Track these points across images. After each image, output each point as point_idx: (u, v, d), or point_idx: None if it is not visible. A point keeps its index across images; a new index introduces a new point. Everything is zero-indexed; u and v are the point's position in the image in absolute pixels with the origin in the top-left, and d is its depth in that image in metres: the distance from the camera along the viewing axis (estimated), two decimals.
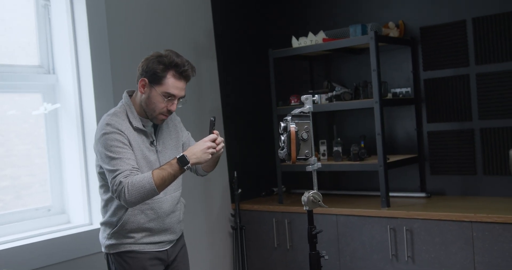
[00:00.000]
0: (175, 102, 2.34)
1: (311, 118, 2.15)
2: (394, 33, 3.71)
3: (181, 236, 2.61)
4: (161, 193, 2.26)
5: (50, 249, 2.93)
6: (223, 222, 4.00)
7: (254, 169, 4.23)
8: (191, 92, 3.83)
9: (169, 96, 2.31)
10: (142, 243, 2.38)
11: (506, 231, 2.94)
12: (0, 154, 3.02)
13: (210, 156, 2.25)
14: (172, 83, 2.29)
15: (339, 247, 3.51)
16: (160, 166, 2.24)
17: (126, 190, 2.15)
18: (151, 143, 2.39)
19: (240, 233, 3.90)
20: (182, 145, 2.56)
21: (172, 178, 2.22)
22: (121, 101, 2.42)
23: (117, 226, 2.35)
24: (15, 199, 3.06)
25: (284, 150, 2.13)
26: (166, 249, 2.46)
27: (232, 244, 3.97)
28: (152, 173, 2.18)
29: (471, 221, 3.04)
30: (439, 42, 3.66)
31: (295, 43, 3.81)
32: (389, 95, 3.71)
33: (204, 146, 2.23)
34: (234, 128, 4.13)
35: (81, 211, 3.22)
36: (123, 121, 2.31)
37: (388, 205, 3.42)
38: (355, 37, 3.55)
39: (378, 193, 3.72)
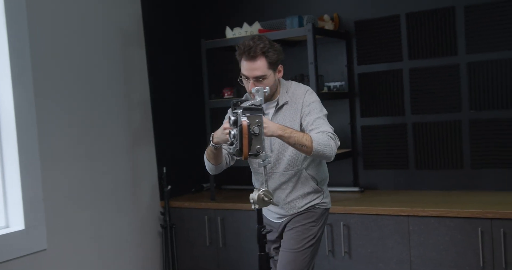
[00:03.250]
0: (250, 81, 2.40)
1: (263, 111, 2.03)
2: (329, 26, 3.67)
3: (298, 215, 2.56)
4: (267, 168, 2.32)
5: None
6: (152, 220, 3.79)
7: (184, 164, 4.05)
8: (117, 83, 3.59)
9: (245, 77, 2.42)
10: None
11: (441, 224, 2.98)
12: None
13: (227, 136, 2.20)
14: (243, 65, 2.42)
15: None
16: None
17: None
18: None
19: (170, 232, 3.71)
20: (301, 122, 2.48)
21: (211, 154, 2.42)
22: None
23: None
24: None
25: (234, 146, 2.00)
26: (276, 221, 2.60)
27: (162, 243, 3.77)
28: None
29: (408, 215, 3.05)
30: (373, 37, 3.66)
31: (229, 33, 3.66)
32: (324, 89, 3.66)
33: (221, 127, 2.28)
34: (164, 122, 3.92)
35: None
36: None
37: None
38: (292, 28, 3.47)
39: None
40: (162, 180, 3.75)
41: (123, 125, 3.61)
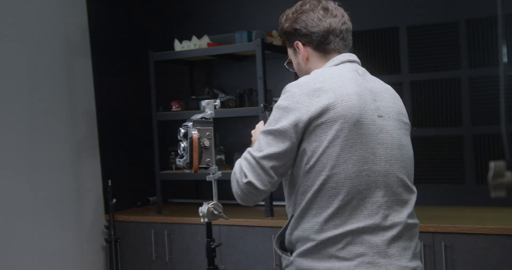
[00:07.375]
0: None
1: (213, 124, 2.03)
2: (277, 41, 3.71)
3: None
4: None
5: None
6: (96, 234, 3.70)
7: (130, 177, 3.98)
8: (61, 93, 3.50)
9: None
10: None
11: None
12: None
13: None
14: None
15: (222, 258, 3.41)
16: None
17: None
18: None
19: (115, 246, 3.63)
20: None
21: None
22: None
23: None
24: None
25: (184, 158, 1.98)
26: None
27: (106, 258, 3.68)
28: None
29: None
30: None
31: (178, 46, 3.66)
32: (273, 104, 3.69)
33: None
34: (110, 134, 3.85)
35: None
36: None
37: (272, 214, 3.39)
38: (241, 43, 3.50)
39: (262, 203, 3.69)
40: (107, 193, 3.67)
41: (67, 136, 3.52)
